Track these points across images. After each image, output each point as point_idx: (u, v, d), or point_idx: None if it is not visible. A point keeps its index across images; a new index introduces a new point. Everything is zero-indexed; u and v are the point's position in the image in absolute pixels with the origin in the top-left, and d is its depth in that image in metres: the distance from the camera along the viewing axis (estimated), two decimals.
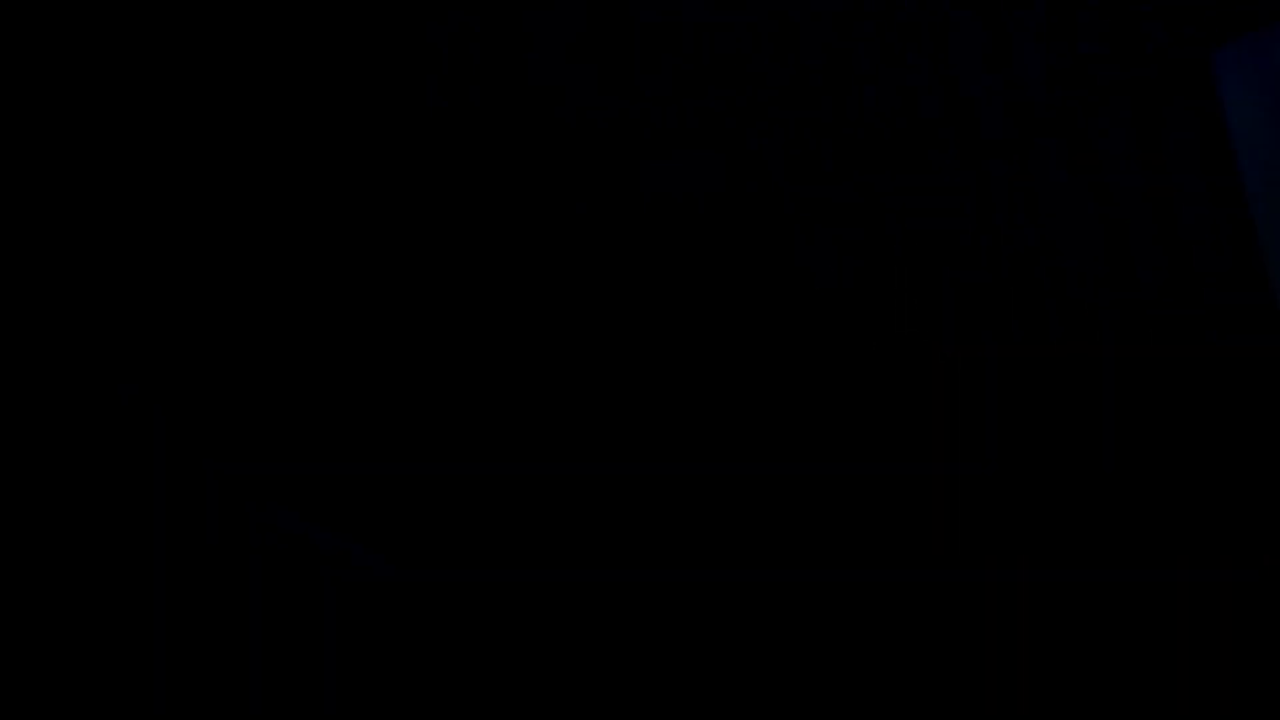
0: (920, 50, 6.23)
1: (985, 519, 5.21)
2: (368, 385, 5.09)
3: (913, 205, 6.15)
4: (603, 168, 6.21)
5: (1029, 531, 5.11)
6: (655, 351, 6.07)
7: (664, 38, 6.18)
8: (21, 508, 5.16)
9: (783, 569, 4.81)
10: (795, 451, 5.64)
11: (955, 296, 6.06)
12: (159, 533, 5.04)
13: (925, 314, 6.04)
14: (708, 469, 5.50)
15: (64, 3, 5.94)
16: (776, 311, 6.09)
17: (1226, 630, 4.39)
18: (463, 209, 6.23)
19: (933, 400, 5.93)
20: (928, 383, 5.99)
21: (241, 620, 4.48)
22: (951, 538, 5.08)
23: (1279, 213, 5.20)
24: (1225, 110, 4.98)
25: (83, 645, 4.32)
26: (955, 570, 4.81)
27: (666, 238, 6.18)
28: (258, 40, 6.02)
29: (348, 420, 5.62)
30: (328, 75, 6.12)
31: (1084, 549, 4.98)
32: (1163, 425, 5.70)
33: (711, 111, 6.13)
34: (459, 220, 6.08)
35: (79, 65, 5.92)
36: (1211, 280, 5.93)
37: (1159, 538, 5.06)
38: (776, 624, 4.51)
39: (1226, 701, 4.08)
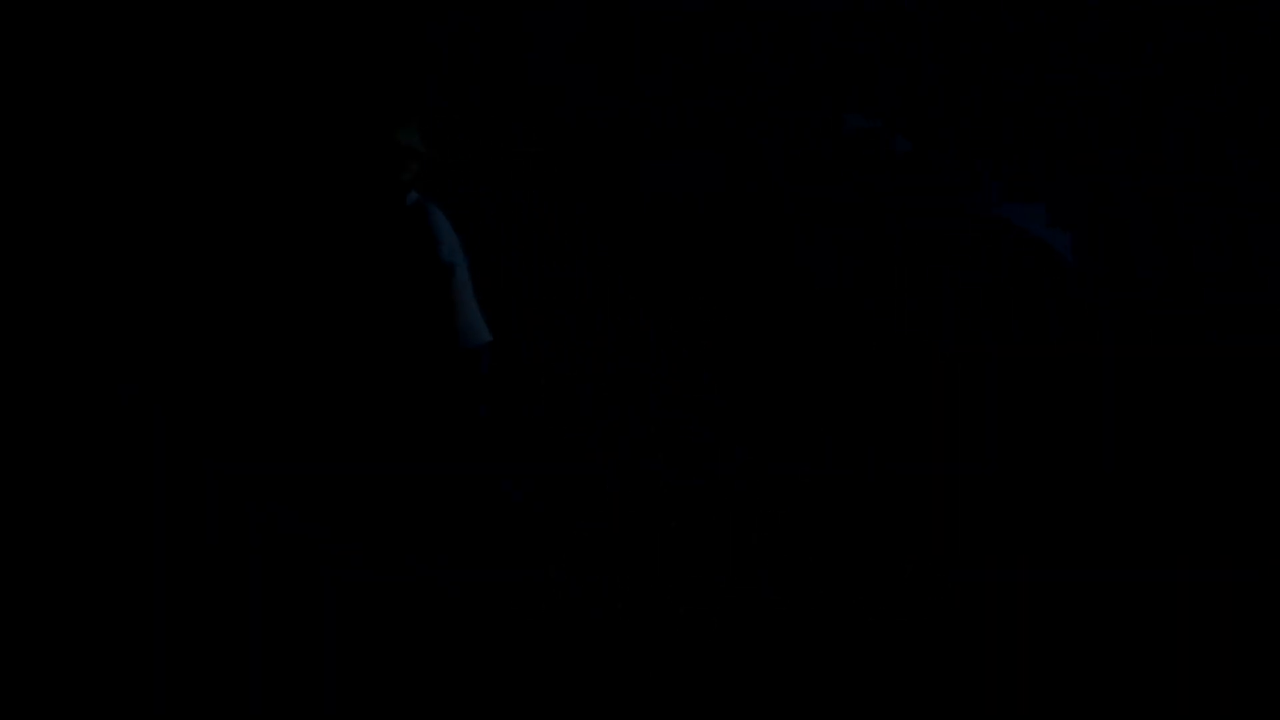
0: (920, 51, 6.23)
1: (985, 519, 5.21)
2: (369, 384, 5.09)
3: (913, 205, 6.16)
4: (603, 167, 6.21)
5: (1029, 531, 5.11)
6: (655, 351, 6.07)
7: (664, 38, 6.18)
8: (22, 507, 5.16)
9: (783, 568, 4.82)
10: (795, 451, 5.65)
11: (955, 296, 6.07)
12: (159, 533, 5.04)
13: (925, 314, 6.04)
14: (709, 469, 5.51)
15: (67, 4, 5.94)
16: (776, 311, 6.09)
17: (1226, 630, 4.39)
18: (462, 210, 6.23)
19: (933, 400, 5.93)
20: (928, 383, 5.99)
21: (241, 620, 4.48)
22: (951, 538, 5.08)
23: None
24: None
25: (83, 645, 4.32)
26: (955, 570, 4.82)
27: (667, 237, 6.18)
28: (258, 43, 6.02)
29: (347, 420, 5.62)
30: (328, 76, 6.12)
31: (1084, 549, 4.99)
32: (1163, 425, 5.70)
33: (711, 111, 6.13)
34: (458, 221, 6.08)
35: (79, 66, 5.92)
36: (1211, 280, 5.93)
37: (1159, 538, 5.07)
38: (776, 623, 4.51)
39: (1226, 701, 4.08)
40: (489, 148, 6.22)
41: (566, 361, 6.05)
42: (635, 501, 5.31)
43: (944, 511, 5.27)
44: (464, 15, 6.03)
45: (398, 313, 4.92)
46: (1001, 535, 5.10)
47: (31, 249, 5.79)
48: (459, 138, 6.27)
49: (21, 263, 5.77)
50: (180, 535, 5.02)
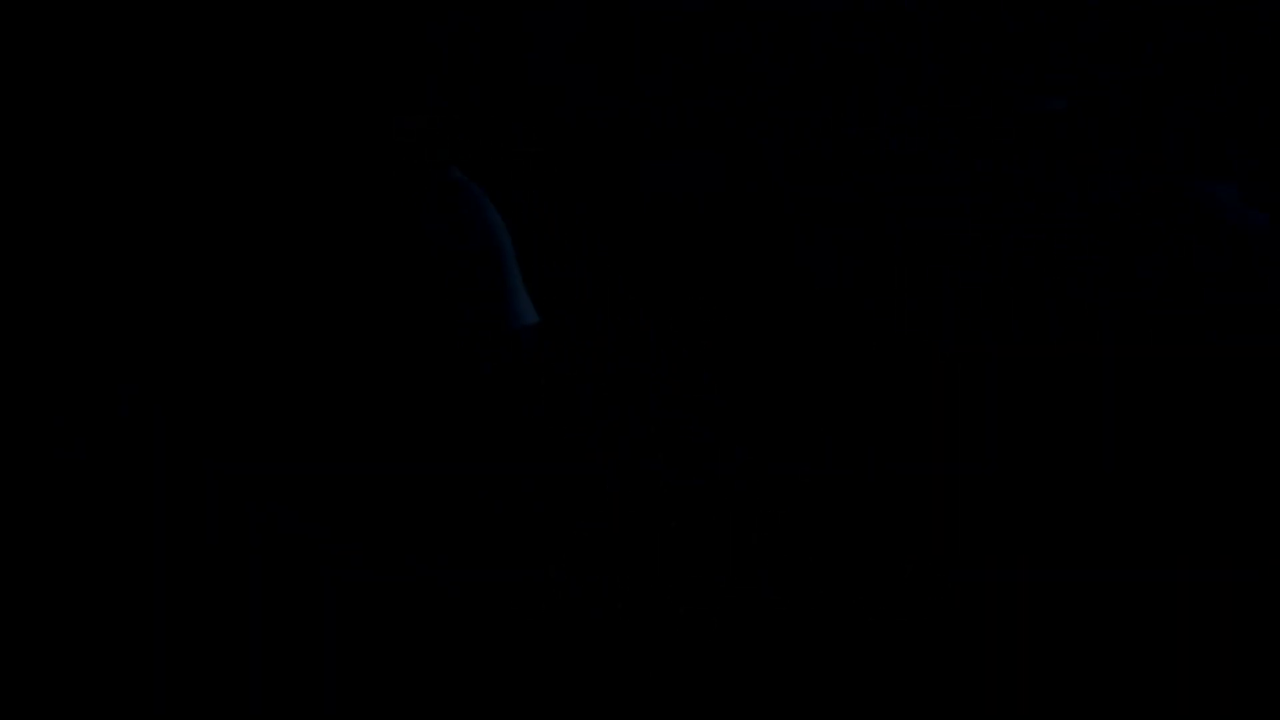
0: (920, 51, 6.23)
1: (985, 519, 5.21)
2: (369, 384, 5.09)
3: (913, 205, 6.16)
4: (603, 167, 6.21)
5: (1029, 531, 5.11)
6: (655, 351, 6.07)
7: (664, 38, 6.18)
8: (22, 507, 5.16)
9: (783, 568, 4.81)
10: (795, 451, 5.64)
11: (955, 296, 6.06)
12: (159, 533, 5.03)
13: (925, 314, 6.04)
14: (709, 469, 5.50)
15: (66, 3, 5.93)
16: (776, 311, 6.09)
17: (1226, 630, 4.39)
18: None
19: (933, 400, 5.93)
20: (928, 383, 5.99)
21: (241, 620, 4.47)
22: (951, 538, 5.08)
23: None
24: None
25: (83, 645, 4.32)
26: (955, 570, 4.81)
27: (667, 237, 6.18)
28: (257, 41, 6.02)
29: (347, 420, 5.62)
30: (327, 76, 6.12)
31: (1084, 549, 4.98)
32: (1163, 425, 5.70)
33: (711, 111, 6.13)
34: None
35: (79, 65, 5.92)
36: (1211, 280, 5.93)
37: (1159, 538, 5.06)
38: (776, 623, 4.51)
39: (1226, 701, 4.07)
40: (489, 148, 6.22)
41: (566, 361, 6.05)
42: (635, 501, 5.30)
43: (944, 511, 5.26)
44: (464, 15, 6.03)
45: (446, 291, 4.88)
46: (1001, 535, 5.09)
47: (32, 249, 5.78)
48: (459, 138, 6.27)
49: (22, 263, 5.77)
50: (180, 535, 5.02)
